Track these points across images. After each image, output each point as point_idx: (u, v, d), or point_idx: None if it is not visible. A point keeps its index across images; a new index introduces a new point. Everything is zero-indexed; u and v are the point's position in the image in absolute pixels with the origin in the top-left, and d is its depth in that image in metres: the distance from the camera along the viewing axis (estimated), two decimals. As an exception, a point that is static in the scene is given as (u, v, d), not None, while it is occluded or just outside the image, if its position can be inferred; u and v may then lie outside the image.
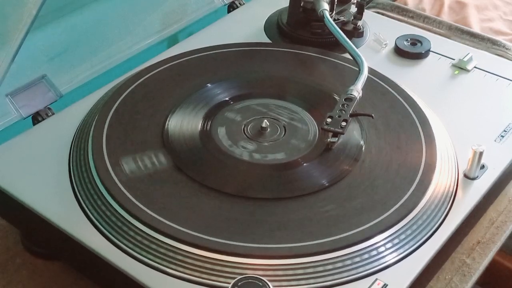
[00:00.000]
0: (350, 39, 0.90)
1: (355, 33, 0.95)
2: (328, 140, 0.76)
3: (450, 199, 0.72)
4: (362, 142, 0.77)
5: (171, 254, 0.64)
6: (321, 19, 0.92)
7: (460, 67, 0.91)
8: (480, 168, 0.74)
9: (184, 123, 0.79)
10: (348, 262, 0.64)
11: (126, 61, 0.96)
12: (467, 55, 0.91)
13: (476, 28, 1.17)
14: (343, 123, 0.75)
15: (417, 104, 0.82)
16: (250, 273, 0.62)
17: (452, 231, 0.69)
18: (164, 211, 0.68)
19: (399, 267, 0.65)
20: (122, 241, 0.66)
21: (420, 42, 0.94)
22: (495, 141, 0.80)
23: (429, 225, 0.68)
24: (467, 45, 1.00)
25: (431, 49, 0.94)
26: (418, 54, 0.93)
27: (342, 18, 0.95)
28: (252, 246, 0.64)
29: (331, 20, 0.91)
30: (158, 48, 0.99)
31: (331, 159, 0.75)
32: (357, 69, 0.84)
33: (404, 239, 0.67)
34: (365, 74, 0.82)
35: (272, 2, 1.04)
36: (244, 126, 0.79)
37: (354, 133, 0.78)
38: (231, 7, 1.06)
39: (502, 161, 0.77)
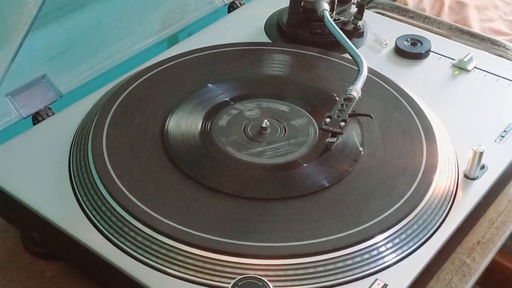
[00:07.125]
0: (350, 39, 0.90)
1: (355, 33, 0.95)
2: (327, 140, 0.76)
3: (450, 199, 0.72)
4: (361, 143, 0.77)
5: (171, 254, 0.64)
6: (321, 19, 0.92)
7: (460, 67, 0.91)
8: (480, 168, 0.74)
9: (184, 123, 0.79)
10: (348, 262, 0.64)
11: (126, 61, 0.96)
12: (467, 55, 0.91)
13: (476, 28, 1.17)
14: (342, 123, 0.75)
15: (417, 104, 0.82)
16: (250, 273, 0.62)
17: (452, 231, 0.69)
18: (164, 211, 0.68)
19: (399, 267, 0.65)
20: (122, 241, 0.66)
21: (420, 42, 0.94)
22: (495, 141, 0.80)
23: (429, 225, 0.68)
24: (467, 45, 1.00)
25: (431, 49, 0.94)
26: (418, 54, 0.93)
27: (342, 18, 0.95)
28: (252, 246, 0.64)
29: (331, 20, 0.91)
30: (158, 48, 0.99)
31: (331, 160, 0.75)
32: (357, 69, 0.84)
33: (404, 239, 0.67)
34: (364, 74, 0.82)
35: (272, 2, 1.04)
36: (244, 126, 0.79)
37: (353, 133, 0.78)
38: (231, 7, 1.06)
39: (502, 161, 0.77)
